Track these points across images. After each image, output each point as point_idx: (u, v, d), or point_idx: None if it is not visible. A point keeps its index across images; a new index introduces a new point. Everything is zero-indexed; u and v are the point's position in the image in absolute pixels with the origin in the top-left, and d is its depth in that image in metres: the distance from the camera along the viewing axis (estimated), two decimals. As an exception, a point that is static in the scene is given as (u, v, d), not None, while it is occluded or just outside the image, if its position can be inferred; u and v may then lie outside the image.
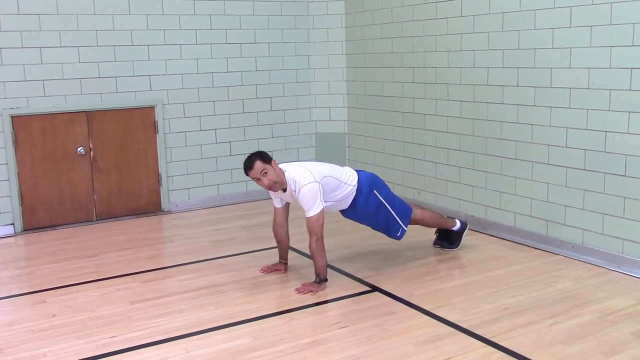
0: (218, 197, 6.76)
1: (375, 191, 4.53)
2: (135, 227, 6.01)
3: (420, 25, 5.97)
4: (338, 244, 5.20)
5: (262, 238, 5.44)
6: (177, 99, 6.44)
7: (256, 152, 4.30)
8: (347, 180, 4.43)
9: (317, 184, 4.18)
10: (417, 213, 4.75)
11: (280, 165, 4.33)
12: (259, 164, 4.18)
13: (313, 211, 4.16)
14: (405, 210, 4.66)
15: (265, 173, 4.17)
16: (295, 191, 4.21)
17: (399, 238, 4.67)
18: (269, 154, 4.33)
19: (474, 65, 5.45)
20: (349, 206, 4.52)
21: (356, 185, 4.46)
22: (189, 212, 6.51)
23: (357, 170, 4.61)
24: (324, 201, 4.24)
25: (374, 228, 4.74)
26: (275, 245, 4.67)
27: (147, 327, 3.75)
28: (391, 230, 4.64)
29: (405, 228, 4.65)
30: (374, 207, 4.53)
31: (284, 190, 4.29)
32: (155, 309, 4.01)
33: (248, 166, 4.22)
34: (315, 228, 4.17)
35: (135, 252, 5.22)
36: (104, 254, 5.19)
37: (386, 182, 6.57)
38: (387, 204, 4.56)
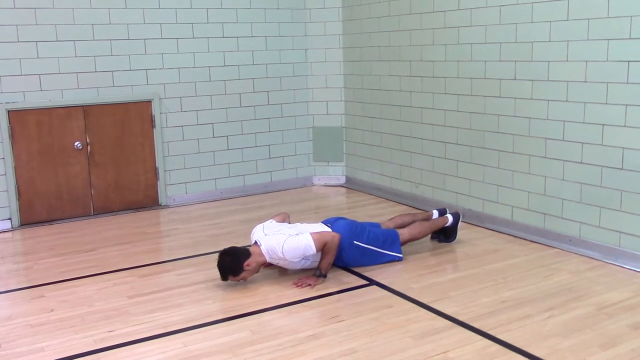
0: (215, 191, 6.76)
1: (355, 242, 4.44)
2: (133, 221, 6.00)
3: (417, 19, 5.96)
4: (336, 237, 5.20)
5: (259, 232, 5.44)
6: (174, 93, 6.42)
7: (226, 259, 4.13)
8: None
9: (287, 238, 4.15)
10: (404, 235, 4.67)
11: (256, 235, 4.29)
12: (231, 279, 4.16)
13: (311, 246, 4.13)
14: (392, 240, 4.59)
15: (240, 280, 4.19)
16: (281, 258, 4.18)
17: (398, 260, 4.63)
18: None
19: (471, 58, 5.45)
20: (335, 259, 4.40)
21: None
22: (186, 206, 6.51)
23: (330, 222, 4.49)
24: (305, 261, 4.24)
25: (368, 266, 4.59)
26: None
27: (145, 321, 3.76)
28: (386, 261, 4.59)
29: (398, 255, 4.60)
30: (360, 255, 4.47)
31: (268, 263, 4.28)
32: (153, 303, 4.02)
33: (221, 278, 4.19)
34: (325, 240, 4.15)
35: (133, 246, 5.22)
36: (101, 248, 5.19)
37: (384, 176, 6.63)
38: (371, 247, 4.50)
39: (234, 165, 6.83)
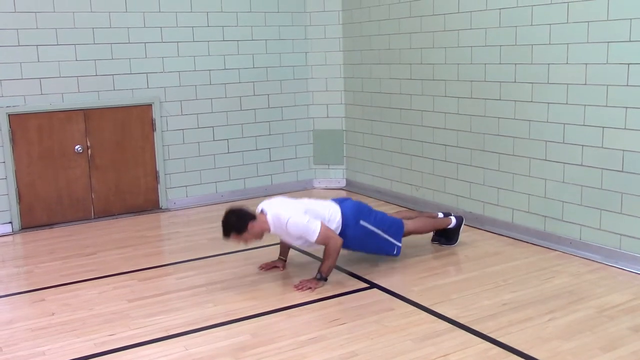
0: (216, 194, 6.76)
1: (361, 222, 4.44)
2: (133, 225, 6.01)
3: (417, 22, 5.97)
4: (336, 240, 5.20)
5: (260, 235, 5.44)
6: (175, 96, 6.43)
7: (231, 217, 4.15)
8: (330, 217, 4.31)
9: (297, 213, 4.15)
10: (409, 226, 4.69)
11: (262, 205, 4.30)
12: (233, 237, 4.16)
13: (314, 234, 4.13)
14: (396, 228, 4.60)
15: (241, 241, 4.20)
16: (284, 230, 4.19)
17: (396, 255, 4.65)
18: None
19: (471, 61, 5.45)
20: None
21: (340, 221, 4.35)
22: (187, 209, 6.51)
23: (339, 201, 4.51)
24: (302, 241, 4.25)
25: (368, 253, 4.68)
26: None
27: (146, 325, 3.76)
28: (386, 251, 4.61)
29: (399, 244, 4.62)
30: (364, 236, 4.47)
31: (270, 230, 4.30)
32: (154, 307, 4.02)
33: (224, 235, 4.19)
34: (328, 238, 4.17)
35: (134, 250, 5.22)
36: (102, 252, 5.19)
37: (384, 179, 6.64)
38: (376, 230, 4.50)
39: (235, 169, 6.83)
